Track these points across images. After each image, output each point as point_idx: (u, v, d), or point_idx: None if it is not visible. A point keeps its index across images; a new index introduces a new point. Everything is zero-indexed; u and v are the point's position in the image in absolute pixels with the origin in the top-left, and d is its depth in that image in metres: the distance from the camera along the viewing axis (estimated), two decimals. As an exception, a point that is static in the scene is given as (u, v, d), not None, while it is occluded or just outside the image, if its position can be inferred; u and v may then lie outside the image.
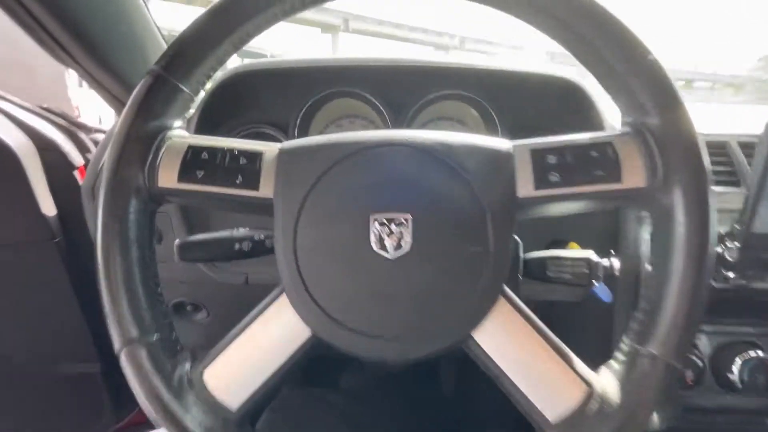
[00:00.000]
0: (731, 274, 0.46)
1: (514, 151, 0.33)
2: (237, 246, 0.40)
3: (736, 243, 0.43)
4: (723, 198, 0.55)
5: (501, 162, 0.33)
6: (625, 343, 0.30)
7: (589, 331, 0.58)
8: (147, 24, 0.64)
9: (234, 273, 0.59)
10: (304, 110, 0.58)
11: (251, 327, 0.33)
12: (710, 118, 0.61)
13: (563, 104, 0.54)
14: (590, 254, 0.38)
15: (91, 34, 0.57)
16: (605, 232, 0.55)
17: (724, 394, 0.54)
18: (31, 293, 0.78)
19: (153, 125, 0.33)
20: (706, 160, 0.29)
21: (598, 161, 0.32)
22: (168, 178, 0.33)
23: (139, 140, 0.33)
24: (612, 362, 0.31)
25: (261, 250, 0.40)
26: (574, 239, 0.55)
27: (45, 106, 0.79)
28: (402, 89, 0.56)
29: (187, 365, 0.33)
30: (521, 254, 0.40)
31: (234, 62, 0.58)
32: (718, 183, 0.53)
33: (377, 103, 0.57)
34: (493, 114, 0.56)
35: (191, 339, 0.73)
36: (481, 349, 0.31)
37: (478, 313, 0.31)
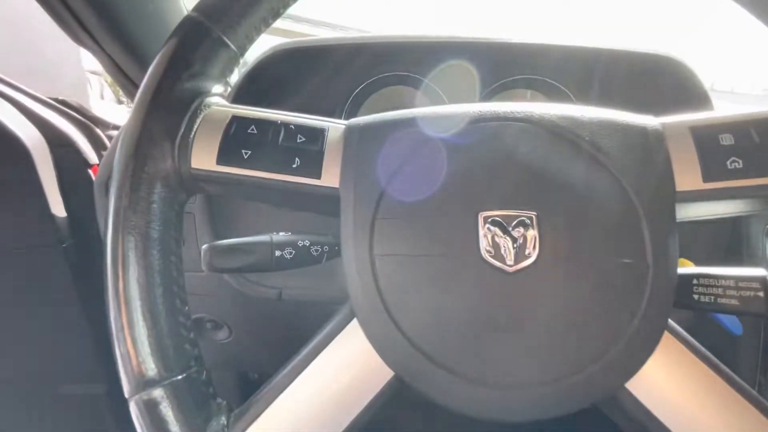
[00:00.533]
0: None
1: (665, 129, 0.25)
2: (278, 253, 0.32)
3: None
4: None
5: (651, 143, 0.24)
6: None
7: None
8: (176, 3, 0.57)
9: (266, 287, 0.50)
10: (352, 97, 0.50)
11: (309, 368, 0.24)
12: None
13: (660, 86, 0.45)
14: (763, 272, 0.28)
15: (114, 10, 0.51)
16: (716, 244, 0.45)
17: None
18: (34, 303, 0.70)
19: (189, 86, 0.25)
20: None
21: None
22: (204, 158, 0.25)
23: (169, 105, 0.24)
24: None
25: (305, 259, 0.32)
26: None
27: (60, 98, 0.73)
28: (467, 74, 0.48)
29: (223, 419, 0.24)
30: None
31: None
32: None
33: (438, 91, 0.49)
34: (575, 102, 0.47)
35: (208, 361, 0.65)
36: (641, 405, 0.22)
37: (637, 355, 0.22)
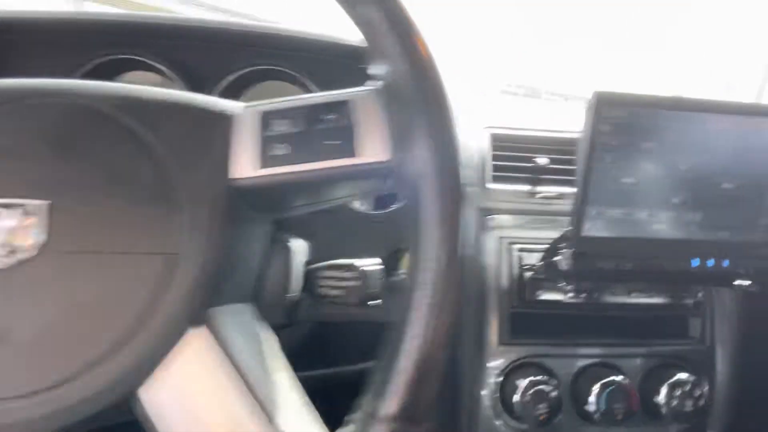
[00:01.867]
0: (568, 286, 0.40)
1: (243, 114, 0.23)
2: None
3: (571, 249, 0.36)
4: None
5: (214, 128, 0.23)
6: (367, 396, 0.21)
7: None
8: None
9: None
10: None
11: None
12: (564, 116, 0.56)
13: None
14: (366, 262, 0.28)
15: None
16: None
17: (583, 426, 0.47)
18: None
19: None
20: (455, 127, 0.21)
21: (332, 127, 0.22)
22: None
23: None
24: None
25: None
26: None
27: None
28: (207, 59, 0.45)
29: None
30: (292, 265, 0.30)
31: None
32: (564, 183, 0.47)
33: (177, 77, 0.45)
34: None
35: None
36: (145, 412, 0.20)
37: (149, 357, 0.20)
